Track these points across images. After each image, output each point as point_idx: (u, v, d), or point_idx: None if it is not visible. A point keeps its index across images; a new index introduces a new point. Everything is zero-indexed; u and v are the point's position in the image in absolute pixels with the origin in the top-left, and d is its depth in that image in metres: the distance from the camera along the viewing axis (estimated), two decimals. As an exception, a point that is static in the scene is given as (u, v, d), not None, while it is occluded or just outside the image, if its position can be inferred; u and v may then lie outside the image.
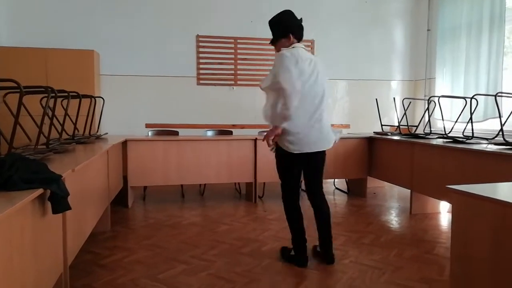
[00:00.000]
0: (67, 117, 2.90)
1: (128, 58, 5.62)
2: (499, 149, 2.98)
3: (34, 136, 2.39)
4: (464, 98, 4.00)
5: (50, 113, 2.57)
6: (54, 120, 2.66)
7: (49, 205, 1.66)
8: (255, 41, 5.88)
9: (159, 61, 5.72)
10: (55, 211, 1.67)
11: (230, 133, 5.18)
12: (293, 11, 2.58)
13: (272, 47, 2.68)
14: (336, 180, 5.40)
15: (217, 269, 2.64)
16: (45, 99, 2.39)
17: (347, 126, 5.96)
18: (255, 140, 4.48)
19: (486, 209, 1.38)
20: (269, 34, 2.67)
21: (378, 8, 6.41)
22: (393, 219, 3.93)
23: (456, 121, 4.04)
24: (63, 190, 1.69)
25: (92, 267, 2.64)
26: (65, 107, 2.84)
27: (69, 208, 1.73)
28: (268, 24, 2.64)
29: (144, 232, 3.45)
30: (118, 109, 5.49)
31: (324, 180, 2.80)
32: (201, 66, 5.88)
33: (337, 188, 5.30)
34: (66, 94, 2.79)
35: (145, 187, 4.83)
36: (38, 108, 2.64)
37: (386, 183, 4.98)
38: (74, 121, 3.20)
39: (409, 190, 4.10)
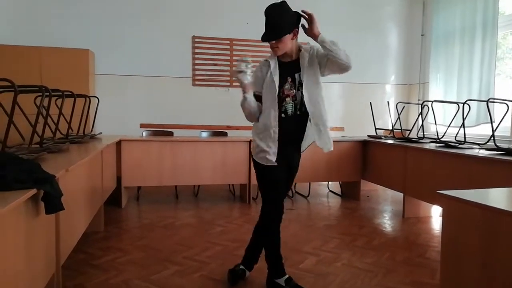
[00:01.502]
0: (61, 116, 2.89)
1: (124, 58, 5.61)
2: (490, 154, 3.02)
3: (28, 135, 2.38)
4: (456, 103, 4.05)
5: (44, 113, 2.57)
6: (48, 120, 2.65)
7: (42, 205, 1.65)
8: (250, 42, 5.88)
9: (154, 62, 5.71)
10: (48, 212, 1.66)
11: (225, 134, 5.18)
12: None
13: (269, 48, 2.42)
14: (330, 183, 5.42)
15: (210, 270, 2.64)
16: (39, 98, 2.38)
17: (341, 129, 5.99)
18: (250, 141, 4.48)
19: (476, 214, 1.40)
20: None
21: (373, 13, 6.46)
22: (386, 222, 3.96)
23: (448, 126, 4.08)
24: (56, 190, 1.69)
25: (85, 267, 2.63)
26: (59, 107, 2.83)
27: (63, 209, 1.72)
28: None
29: (138, 232, 3.44)
30: (113, 109, 5.47)
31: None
32: (196, 67, 5.88)
33: (330, 191, 5.32)
34: (61, 93, 2.78)
35: (139, 188, 4.82)
36: (32, 107, 2.63)
37: (379, 186, 5.01)
38: (68, 121, 3.18)
39: (402, 194, 4.13)
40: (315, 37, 2.24)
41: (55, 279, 1.95)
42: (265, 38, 2.24)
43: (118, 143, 4.13)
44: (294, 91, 2.30)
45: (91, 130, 4.35)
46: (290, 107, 2.30)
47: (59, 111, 2.85)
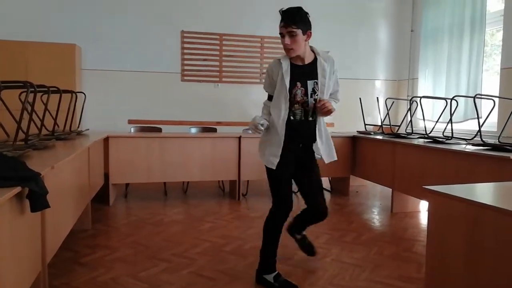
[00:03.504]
0: (47, 112, 2.84)
1: (111, 52, 5.53)
2: (477, 149, 3.06)
3: (13, 132, 2.34)
4: (444, 99, 4.08)
5: (29, 109, 2.52)
6: (34, 116, 2.61)
7: (27, 203, 1.63)
8: (240, 37, 5.86)
9: (142, 56, 5.65)
10: (33, 209, 1.64)
11: (215, 130, 5.16)
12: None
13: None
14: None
15: (199, 267, 2.63)
16: (24, 94, 2.34)
17: (331, 125, 6.01)
18: (240, 137, 4.48)
19: (461, 209, 1.41)
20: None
21: (363, 8, 6.47)
22: (375, 218, 3.99)
23: (436, 122, 4.12)
24: (41, 188, 1.66)
25: (72, 266, 2.61)
26: (45, 103, 2.78)
27: (48, 206, 1.70)
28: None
29: (126, 230, 3.41)
30: (100, 104, 5.41)
31: None
32: (185, 62, 5.83)
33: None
34: (46, 89, 2.73)
35: (127, 185, 4.78)
36: (17, 103, 2.58)
37: (368, 182, 5.04)
38: (54, 117, 3.13)
39: (391, 189, 4.17)
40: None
41: (41, 277, 1.93)
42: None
43: (106, 140, 4.09)
44: (305, 98, 2.32)
45: (78, 127, 4.29)
46: (299, 113, 2.34)
47: (44, 107, 2.80)
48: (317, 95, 2.34)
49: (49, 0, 5.28)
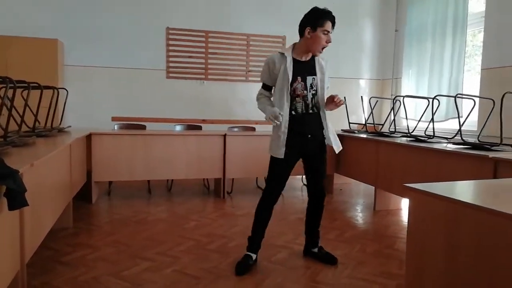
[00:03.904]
0: (27, 109, 2.78)
1: (95, 48, 5.45)
2: (457, 148, 3.11)
3: (-9, 128, 2.28)
4: (427, 98, 4.15)
5: (8, 104, 2.46)
6: (14, 112, 2.55)
7: (5, 201, 1.59)
8: (226, 35, 5.83)
9: (127, 53, 5.58)
10: (11, 208, 1.60)
11: (200, 128, 5.14)
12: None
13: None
14: (304, 176, 5.46)
15: (183, 265, 2.62)
16: (3, 89, 2.29)
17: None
18: (225, 135, 4.47)
19: (440, 206, 1.44)
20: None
21: (348, 8, 6.52)
22: (358, 215, 4.04)
23: (419, 121, 4.18)
24: (19, 185, 1.63)
25: (52, 264, 2.56)
26: (25, 98, 2.72)
27: (26, 204, 1.67)
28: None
29: (109, 228, 3.37)
30: (83, 101, 5.33)
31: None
32: (170, 59, 5.79)
33: (304, 184, 5.37)
34: (26, 85, 2.68)
35: (110, 182, 4.72)
36: (-4, 99, 2.52)
37: (352, 180, 5.09)
38: (35, 113, 3.07)
39: (374, 187, 4.22)
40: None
41: (19, 277, 1.89)
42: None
43: (89, 137, 4.03)
44: (305, 92, 2.48)
45: (60, 123, 4.21)
46: (300, 106, 2.50)
47: (25, 103, 2.75)
48: (314, 90, 2.50)
49: (31, -6, 5.17)
